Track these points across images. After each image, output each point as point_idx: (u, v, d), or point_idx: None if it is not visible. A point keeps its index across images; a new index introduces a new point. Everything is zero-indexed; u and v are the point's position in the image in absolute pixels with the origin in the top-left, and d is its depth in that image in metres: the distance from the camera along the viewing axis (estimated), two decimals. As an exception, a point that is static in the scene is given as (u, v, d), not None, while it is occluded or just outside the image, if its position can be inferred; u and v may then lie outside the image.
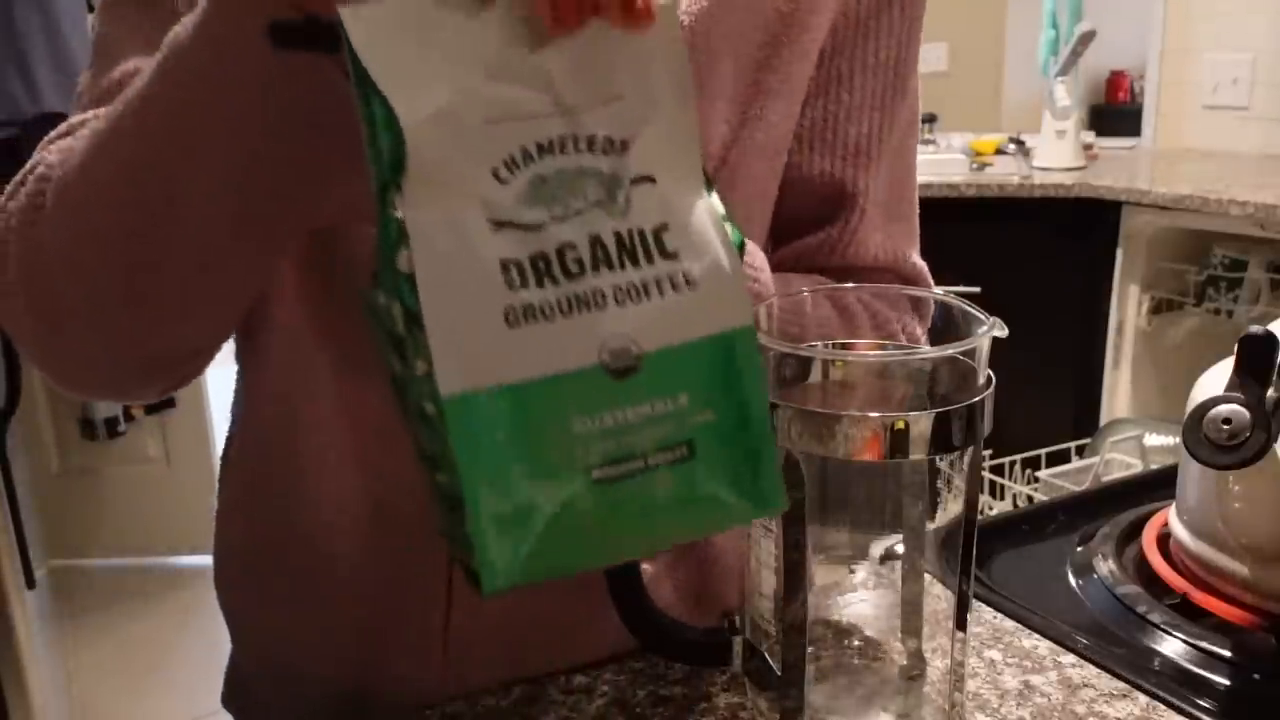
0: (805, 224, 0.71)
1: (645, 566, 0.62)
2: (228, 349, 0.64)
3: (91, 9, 2.40)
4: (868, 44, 0.67)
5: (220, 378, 0.79)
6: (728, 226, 0.39)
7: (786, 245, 0.72)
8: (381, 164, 0.36)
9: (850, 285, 0.67)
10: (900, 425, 0.46)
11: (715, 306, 0.37)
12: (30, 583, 2.29)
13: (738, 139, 0.64)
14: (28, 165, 0.58)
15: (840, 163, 0.69)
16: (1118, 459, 1.81)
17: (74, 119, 0.60)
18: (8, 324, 0.57)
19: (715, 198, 0.39)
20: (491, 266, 0.35)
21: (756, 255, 0.63)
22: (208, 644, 2.52)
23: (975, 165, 2.63)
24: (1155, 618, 0.70)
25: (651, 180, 0.37)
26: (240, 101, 0.46)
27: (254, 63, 0.44)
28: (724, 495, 0.39)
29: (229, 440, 0.73)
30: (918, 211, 0.75)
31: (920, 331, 0.68)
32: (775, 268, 0.69)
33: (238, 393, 0.72)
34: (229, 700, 0.77)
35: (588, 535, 0.37)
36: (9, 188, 0.57)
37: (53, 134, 0.60)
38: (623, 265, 0.36)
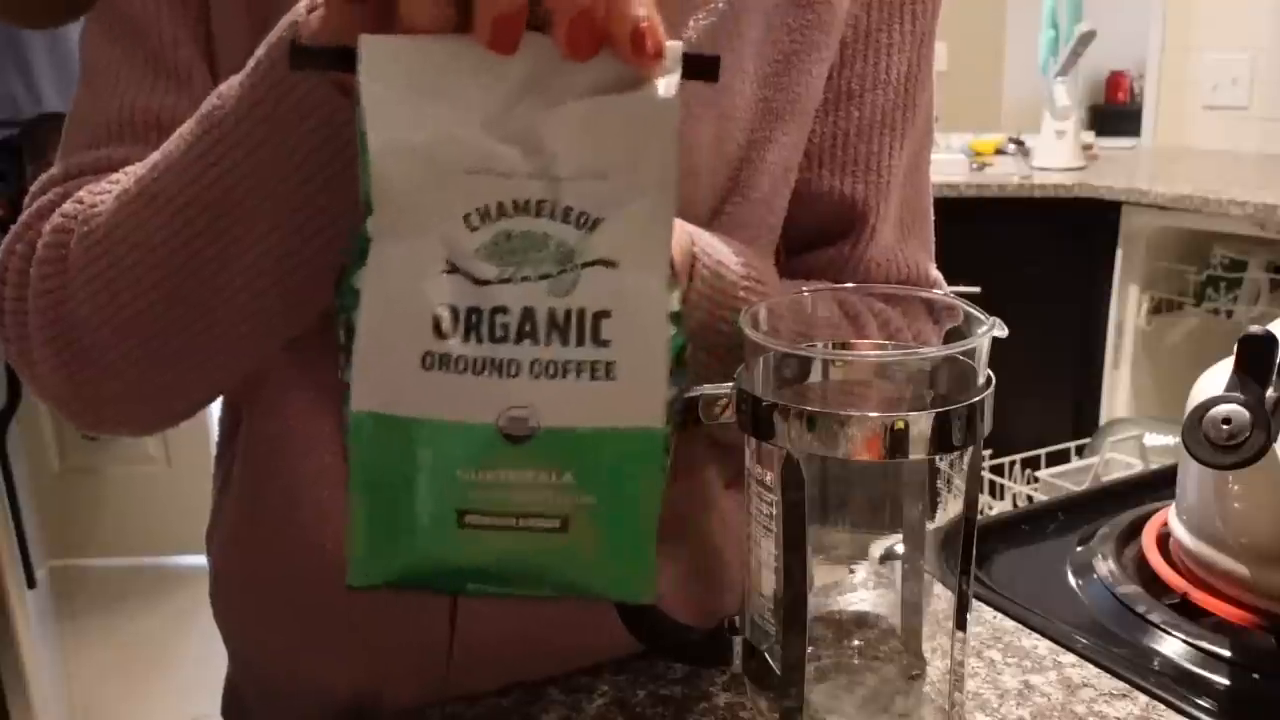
0: (816, 240, 0.70)
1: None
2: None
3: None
4: (878, 61, 0.66)
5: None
6: (673, 329, 0.39)
7: (798, 260, 0.71)
8: (364, 184, 0.38)
9: (851, 285, 0.67)
10: (900, 425, 0.46)
11: (628, 402, 0.38)
12: (30, 582, 2.29)
13: (748, 158, 0.64)
14: (32, 208, 0.58)
15: (851, 180, 0.68)
16: (1118, 459, 1.81)
17: (80, 159, 0.59)
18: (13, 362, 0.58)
19: (675, 295, 0.40)
20: (427, 311, 0.37)
21: (766, 271, 0.62)
22: (208, 644, 2.51)
23: (975, 165, 2.63)
24: (1155, 618, 0.70)
25: (612, 264, 0.38)
26: (290, 168, 0.47)
27: (303, 133, 0.46)
28: (585, 576, 0.40)
29: (220, 458, 0.72)
30: (933, 225, 0.74)
31: (935, 339, 0.67)
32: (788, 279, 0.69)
33: (226, 408, 0.70)
34: (227, 715, 0.77)
35: (451, 565, 0.39)
36: (9, 238, 0.58)
37: (53, 174, 0.60)
38: (548, 341, 0.38)
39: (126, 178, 0.53)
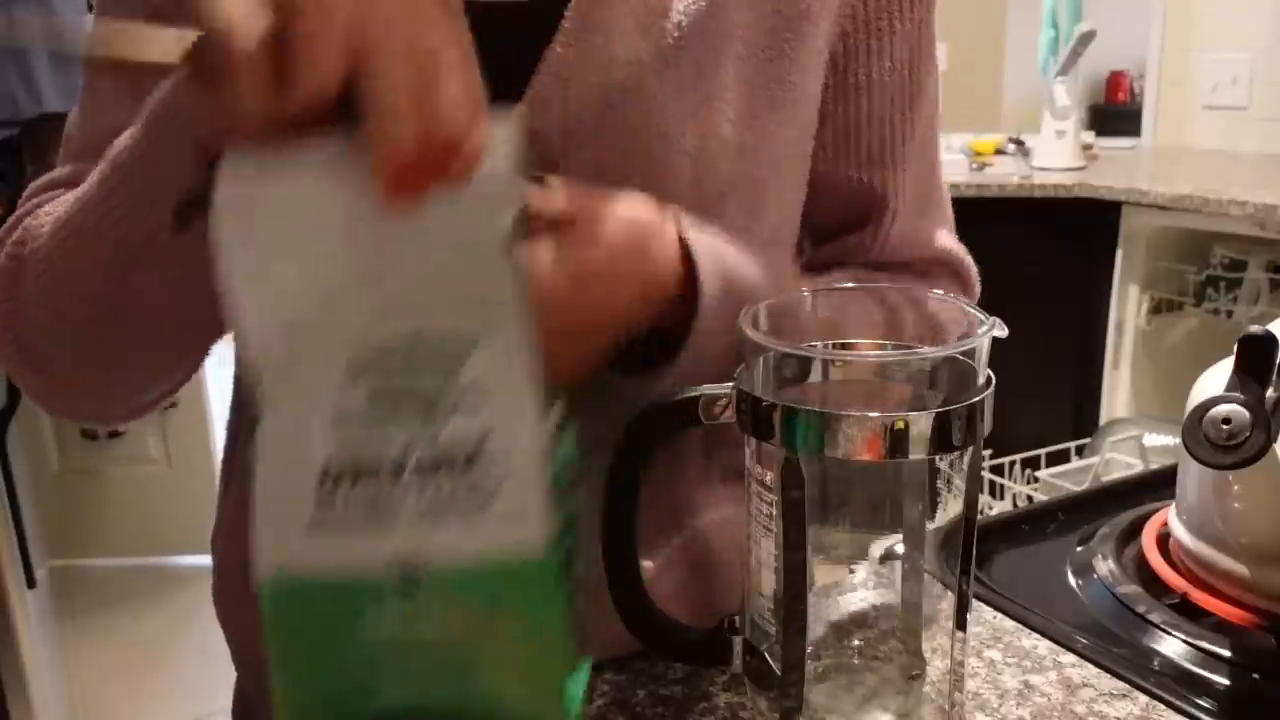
0: (839, 229, 0.71)
1: (646, 564, 0.62)
2: (231, 348, 0.64)
3: (91, 9, 2.41)
4: (881, 49, 0.67)
5: (221, 378, 0.79)
6: (560, 444, 0.40)
7: (823, 248, 0.72)
8: (245, 353, 0.38)
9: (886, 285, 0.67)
10: (900, 425, 0.46)
11: (511, 534, 0.38)
12: (31, 582, 2.29)
13: (745, 145, 0.64)
14: (17, 212, 0.62)
15: (868, 168, 0.69)
16: (1117, 459, 1.81)
17: (58, 173, 0.63)
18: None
19: (556, 408, 0.40)
20: (310, 472, 0.38)
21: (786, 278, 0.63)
22: (208, 644, 2.51)
23: (975, 165, 2.63)
24: (1155, 618, 0.70)
25: (483, 392, 0.38)
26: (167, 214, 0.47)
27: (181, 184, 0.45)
28: (498, 706, 0.41)
29: (226, 459, 0.73)
30: (948, 195, 0.76)
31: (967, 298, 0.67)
32: (811, 269, 0.70)
33: (233, 409, 0.71)
34: None
35: (371, 707, 0.41)
36: (2, 230, 0.61)
37: (41, 182, 0.63)
38: (425, 484, 0.38)
39: (65, 205, 0.56)
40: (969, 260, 0.76)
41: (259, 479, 0.39)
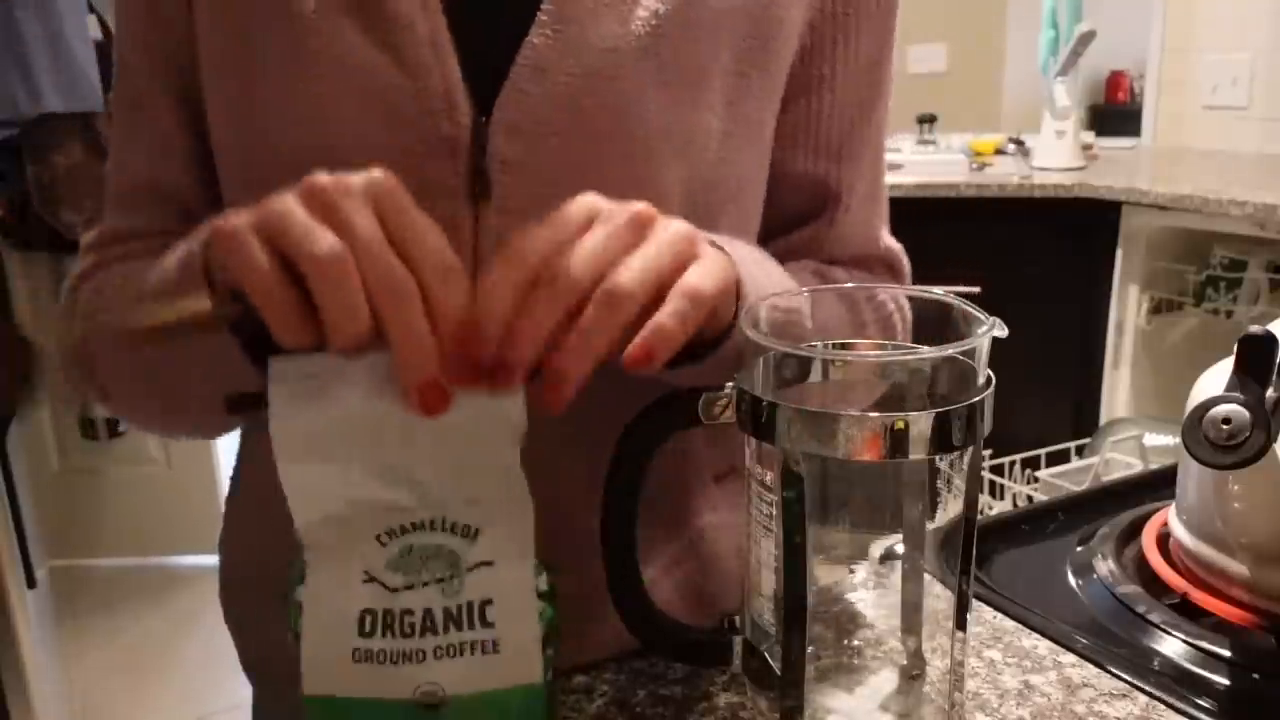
0: (792, 220, 0.72)
1: (646, 565, 0.62)
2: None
3: (92, 9, 2.41)
4: (846, 44, 0.68)
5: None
6: (543, 603, 0.49)
7: (775, 241, 0.72)
8: (296, 533, 0.47)
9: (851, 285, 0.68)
10: (900, 425, 0.46)
11: (513, 667, 0.48)
12: (31, 582, 2.29)
13: (729, 133, 0.64)
14: (81, 268, 0.68)
15: (824, 161, 0.70)
16: (1117, 459, 1.81)
17: (111, 224, 0.69)
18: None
19: (543, 578, 0.49)
20: (352, 618, 0.47)
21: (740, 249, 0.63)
22: (209, 644, 2.52)
23: (975, 165, 2.64)
24: (1155, 617, 0.70)
25: (490, 564, 0.48)
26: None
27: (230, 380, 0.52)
28: None
29: (238, 461, 0.74)
30: (887, 192, 0.78)
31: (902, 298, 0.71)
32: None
33: None
34: None
35: None
36: (69, 284, 0.68)
37: (93, 238, 0.69)
38: (446, 630, 0.47)
39: (115, 289, 0.63)
40: (904, 257, 0.78)
41: (307, 619, 0.47)
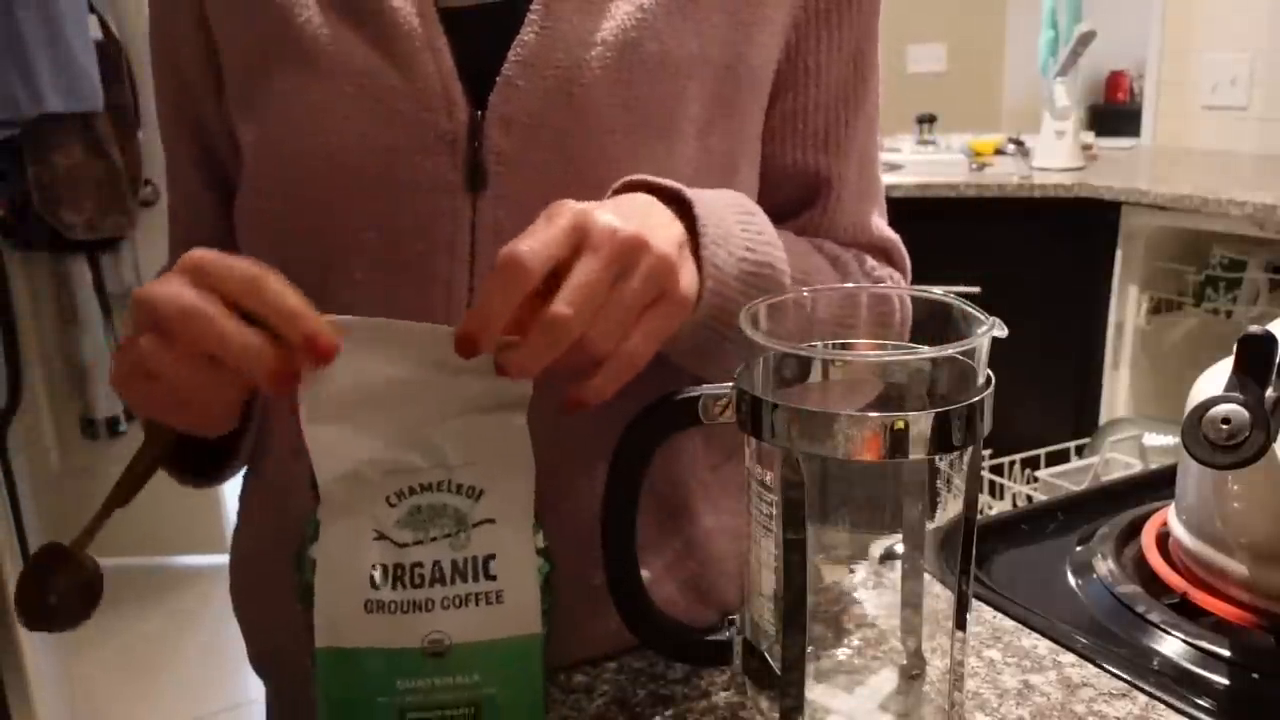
0: (784, 211, 0.72)
1: (646, 565, 0.62)
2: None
3: (92, 9, 2.41)
4: (831, 37, 0.69)
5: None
6: (540, 559, 0.52)
7: None
8: (317, 486, 0.51)
9: (852, 285, 0.69)
10: (900, 425, 0.46)
11: (514, 618, 0.52)
12: (30, 583, 2.28)
13: (712, 120, 0.65)
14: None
15: (813, 152, 0.72)
16: (1117, 459, 1.81)
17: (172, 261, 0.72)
18: None
19: (540, 535, 0.53)
20: (364, 570, 0.50)
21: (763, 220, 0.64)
22: (209, 644, 2.52)
23: (975, 165, 2.64)
24: (1154, 617, 0.70)
25: (492, 521, 0.51)
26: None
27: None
28: None
29: (253, 458, 0.75)
30: (883, 185, 0.79)
31: (903, 281, 0.75)
32: None
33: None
34: None
35: None
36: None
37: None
38: (453, 581, 0.51)
39: None
40: (902, 246, 0.79)
41: (320, 574, 0.50)
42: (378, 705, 0.51)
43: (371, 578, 0.50)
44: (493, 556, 0.51)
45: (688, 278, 0.53)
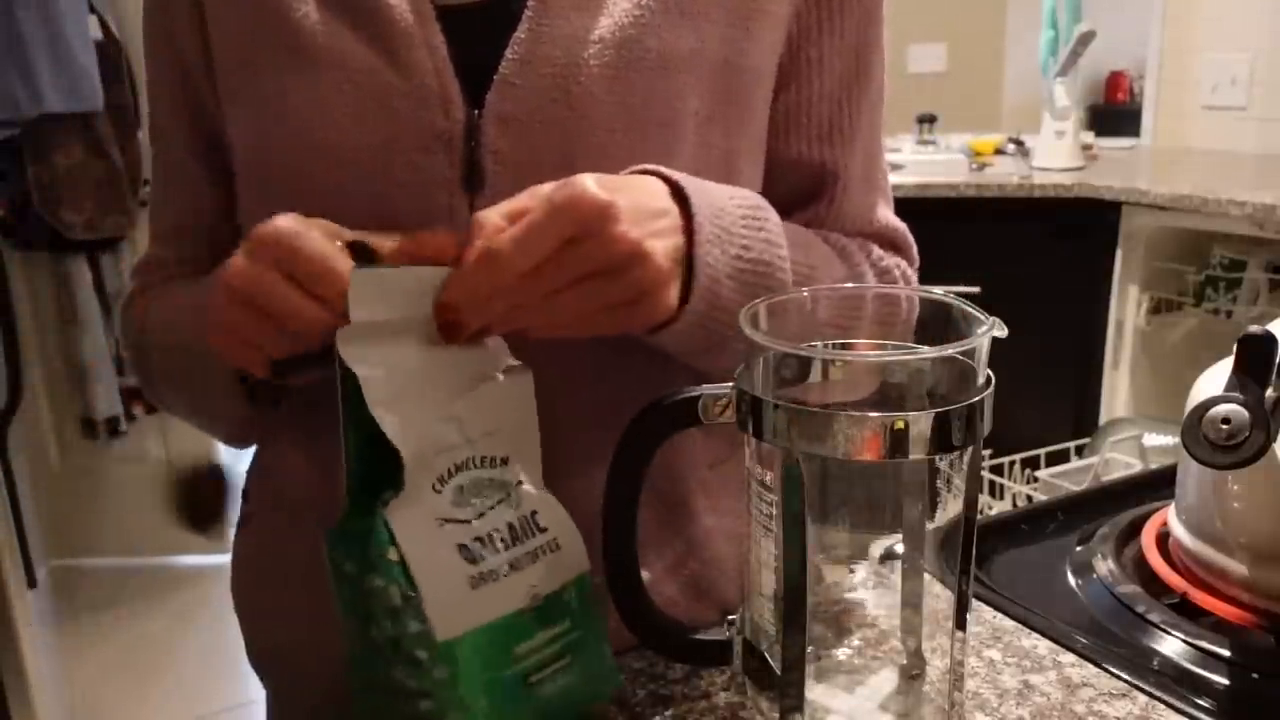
0: (790, 204, 0.72)
1: (646, 565, 0.62)
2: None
3: (92, 9, 2.41)
4: (833, 29, 0.69)
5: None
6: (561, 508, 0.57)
7: None
8: (362, 477, 0.54)
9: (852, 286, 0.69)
10: (900, 425, 0.46)
11: (572, 560, 0.56)
12: (31, 582, 2.29)
13: (712, 117, 0.65)
14: (130, 291, 0.78)
15: (818, 144, 0.72)
16: (1117, 459, 1.81)
17: (154, 254, 0.77)
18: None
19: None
20: (453, 553, 0.52)
21: (762, 205, 0.64)
22: (208, 644, 2.52)
23: (975, 165, 2.64)
24: (1154, 617, 0.70)
25: (520, 482, 0.56)
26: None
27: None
28: (591, 686, 0.58)
29: (257, 452, 0.75)
30: (889, 176, 0.79)
31: (910, 270, 0.77)
32: None
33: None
34: None
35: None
36: (124, 303, 0.79)
37: (142, 262, 0.79)
38: (523, 540, 0.55)
39: (160, 313, 0.73)
40: (910, 236, 0.79)
41: (415, 568, 0.51)
42: (505, 679, 0.53)
43: (466, 556, 0.53)
44: (535, 511, 0.56)
45: (655, 266, 0.54)
